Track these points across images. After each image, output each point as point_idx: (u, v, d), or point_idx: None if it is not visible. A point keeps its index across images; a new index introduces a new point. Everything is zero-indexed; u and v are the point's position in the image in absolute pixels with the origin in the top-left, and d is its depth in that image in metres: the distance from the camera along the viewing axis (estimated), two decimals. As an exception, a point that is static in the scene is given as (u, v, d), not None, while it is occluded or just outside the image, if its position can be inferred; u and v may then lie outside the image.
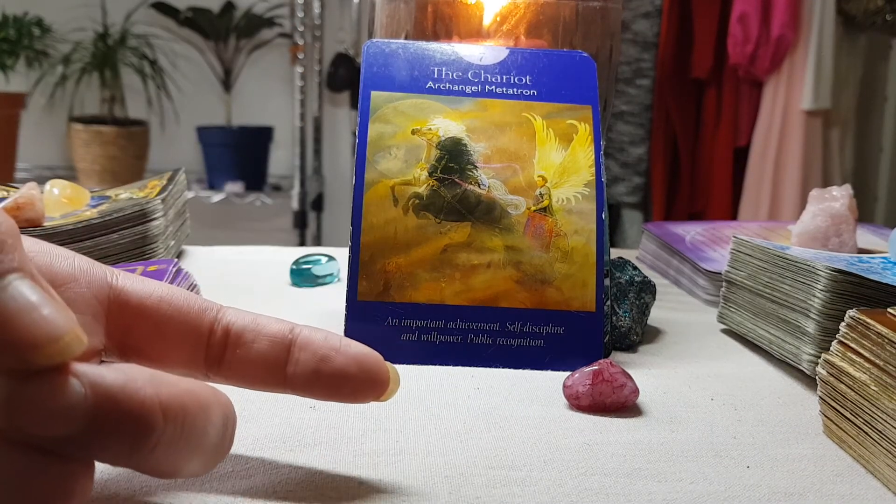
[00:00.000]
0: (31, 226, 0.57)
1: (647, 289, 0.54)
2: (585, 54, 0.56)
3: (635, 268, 0.54)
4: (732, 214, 2.12)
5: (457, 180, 0.50)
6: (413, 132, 0.51)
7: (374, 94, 0.52)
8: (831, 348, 0.40)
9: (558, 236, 0.49)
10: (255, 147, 2.49)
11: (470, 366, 0.48)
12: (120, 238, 0.59)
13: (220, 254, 0.75)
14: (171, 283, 0.51)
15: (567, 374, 0.45)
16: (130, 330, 0.32)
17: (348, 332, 0.48)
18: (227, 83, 2.53)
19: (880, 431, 0.36)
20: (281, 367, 0.32)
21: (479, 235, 0.49)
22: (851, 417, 0.38)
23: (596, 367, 0.42)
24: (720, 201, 2.12)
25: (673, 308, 0.62)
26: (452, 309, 0.48)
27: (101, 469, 0.34)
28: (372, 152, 0.51)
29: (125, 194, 0.66)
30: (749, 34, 1.99)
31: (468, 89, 0.53)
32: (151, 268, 0.53)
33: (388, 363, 0.32)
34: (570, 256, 0.49)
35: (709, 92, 2.13)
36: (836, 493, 0.34)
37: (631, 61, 2.08)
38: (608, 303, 0.50)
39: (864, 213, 2.15)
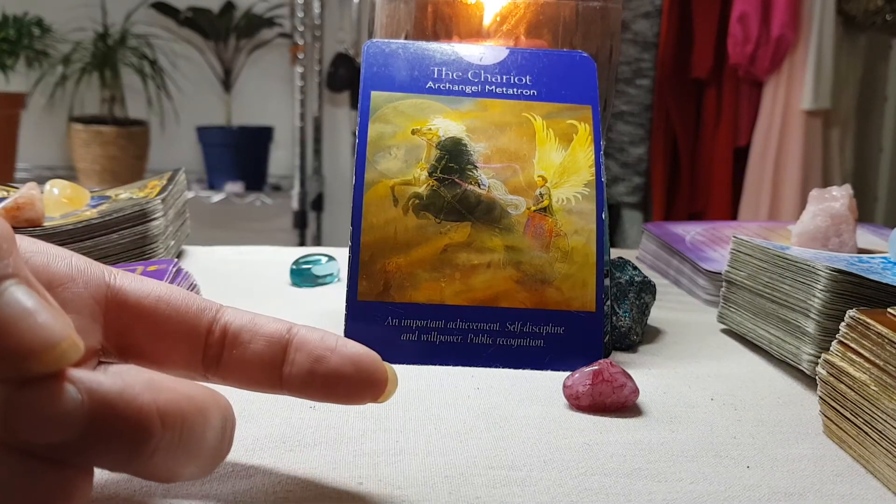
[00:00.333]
0: (31, 226, 0.57)
1: (647, 289, 0.54)
2: (585, 54, 0.56)
3: (635, 268, 0.54)
4: (732, 214, 2.12)
5: (457, 180, 0.50)
6: (413, 132, 0.51)
7: (374, 94, 0.52)
8: (831, 348, 0.40)
9: (558, 236, 0.49)
10: (255, 147, 2.49)
11: (470, 366, 0.48)
12: (120, 238, 0.59)
13: (220, 254, 0.75)
14: (171, 283, 0.51)
15: (567, 374, 0.45)
16: (128, 330, 0.31)
17: (348, 332, 0.48)
18: (227, 83, 2.53)
19: (880, 431, 0.36)
20: (277, 367, 0.32)
21: (479, 235, 0.49)
22: (851, 417, 0.38)
23: (596, 367, 0.42)
24: (720, 201, 2.12)
25: (673, 308, 0.62)
26: (452, 309, 0.48)
27: (101, 469, 0.34)
28: (372, 152, 0.51)
29: (125, 194, 0.66)
30: (749, 34, 1.99)
31: (468, 89, 0.53)
32: (151, 268, 0.53)
33: (386, 363, 0.32)
34: (570, 256, 0.49)
35: (709, 92, 2.13)
36: (836, 493, 0.34)
37: (631, 61, 2.08)
38: (608, 303, 0.50)
39: (864, 213, 2.15)
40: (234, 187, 2.45)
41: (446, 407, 0.41)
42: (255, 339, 0.32)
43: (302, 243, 2.56)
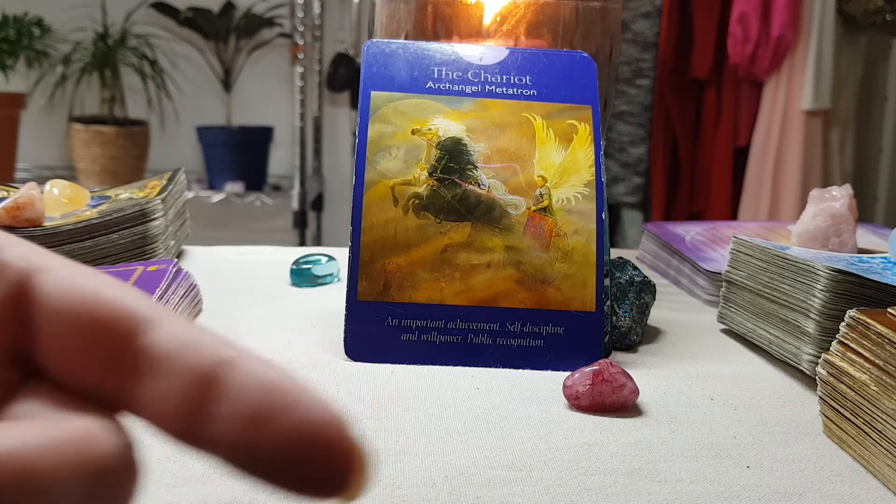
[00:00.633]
0: (31, 226, 0.57)
1: (647, 289, 0.54)
2: (585, 54, 0.56)
3: (635, 268, 0.54)
4: (732, 214, 2.12)
5: (457, 180, 0.50)
6: (413, 132, 0.51)
7: (374, 94, 0.52)
8: (831, 348, 0.40)
9: (558, 236, 0.49)
10: (255, 147, 2.49)
11: (470, 366, 0.48)
12: (120, 238, 0.59)
13: (220, 254, 0.75)
14: (171, 283, 0.51)
15: (567, 374, 0.45)
16: (37, 339, 0.23)
17: (348, 332, 0.48)
18: (227, 83, 2.53)
19: (880, 431, 0.36)
20: (193, 417, 0.21)
21: (479, 235, 0.49)
22: (851, 417, 0.38)
23: (596, 367, 0.42)
24: (720, 201, 2.12)
25: (673, 308, 0.62)
26: (452, 309, 0.48)
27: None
28: (372, 152, 0.51)
29: (125, 194, 0.66)
30: (749, 34, 1.99)
31: (468, 89, 0.53)
32: (151, 268, 0.53)
33: (357, 441, 0.19)
34: (570, 256, 0.49)
35: (709, 92, 2.13)
36: (836, 493, 0.34)
37: (631, 61, 2.08)
38: (608, 303, 0.50)
39: (864, 213, 2.15)
40: (234, 187, 2.45)
41: (446, 407, 0.41)
42: (173, 374, 0.20)
43: (302, 243, 2.55)
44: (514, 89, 0.53)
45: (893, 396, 0.35)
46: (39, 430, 0.19)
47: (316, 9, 2.55)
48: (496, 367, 0.48)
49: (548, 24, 0.59)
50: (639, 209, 2.19)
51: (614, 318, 0.51)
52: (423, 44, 0.55)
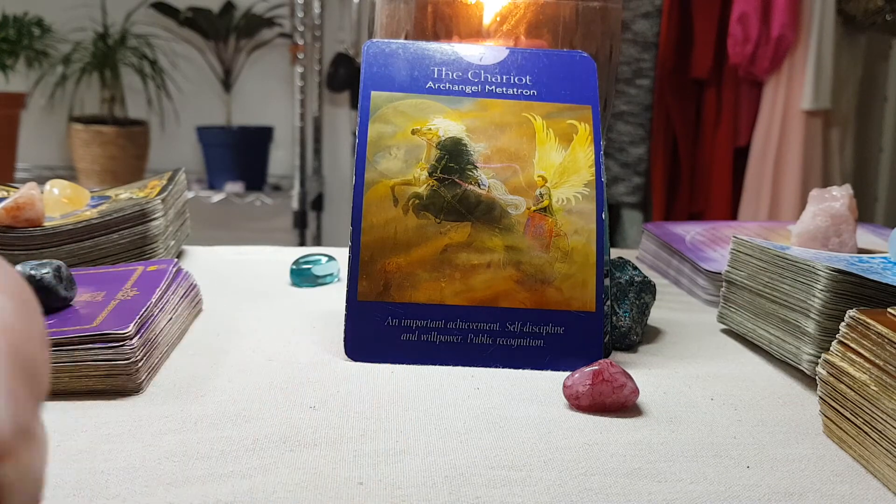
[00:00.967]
0: (31, 226, 0.57)
1: (647, 289, 0.54)
2: (585, 54, 0.56)
3: (635, 268, 0.54)
4: (732, 214, 2.12)
5: (457, 180, 0.50)
6: (413, 132, 0.51)
7: (374, 94, 0.52)
8: (831, 348, 0.40)
9: (558, 236, 0.49)
10: (255, 147, 2.49)
11: (470, 366, 0.48)
12: (120, 238, 0.59)
13: (220, 254, 0.75)
14: (171, 283, 0.51)
15: (567, 374, 0.45)
16: None
17: (348, 332, 0.48)
18: (227, 83, 2.53)
19: (880, 431, 0.36)
20: None
21: (479, 235, 0.49)
22: (851, 417, 0.38)
23: (596, 367, 0.42)
24: (720, 201, 2.12)
25: (673, 308, 0.62)
26: (452, 309, 0.48)
27: (102, 470, 0.34)
28: (372, 152, 0.51)
29: (125, 194, 0.66)
30: (749, 34, 1.99)
31: (468, 89, 0.53)
32: (151, 268, 0.53)
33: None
34: (570, 256, 0.49)
35: (709, 92, 2.13)
36: (836, 493, 0.34)
37: (631, 61, 2.08)
38: (608, 303, 0.50)
39: (864, 213, 2.15)
40: (234, 187, 2.44)
41: (446, 407, 0.41)
42: None
43: (302, 243, 2.55)
44: (514, 89, 0.53)
45: (893, 396, 0.35)
46: None
47: (316, 9, 2.55)
48: (496, 367, 0.48)
49: (548, 24, 0.59)
50: (639, 209, 2.19)
51: (614, 318, 0.51)
52: (423, 44, 0.55)
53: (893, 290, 0.45)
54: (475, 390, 0.44)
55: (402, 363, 0.47)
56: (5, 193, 0.64)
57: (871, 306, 0.43)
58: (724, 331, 0.57)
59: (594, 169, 0.51)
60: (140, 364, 0.43)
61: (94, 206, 0.63)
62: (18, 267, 0.46)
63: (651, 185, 2.18)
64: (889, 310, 0.38)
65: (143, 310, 0.45)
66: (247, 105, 2.65)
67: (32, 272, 0.46)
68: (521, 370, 0.47)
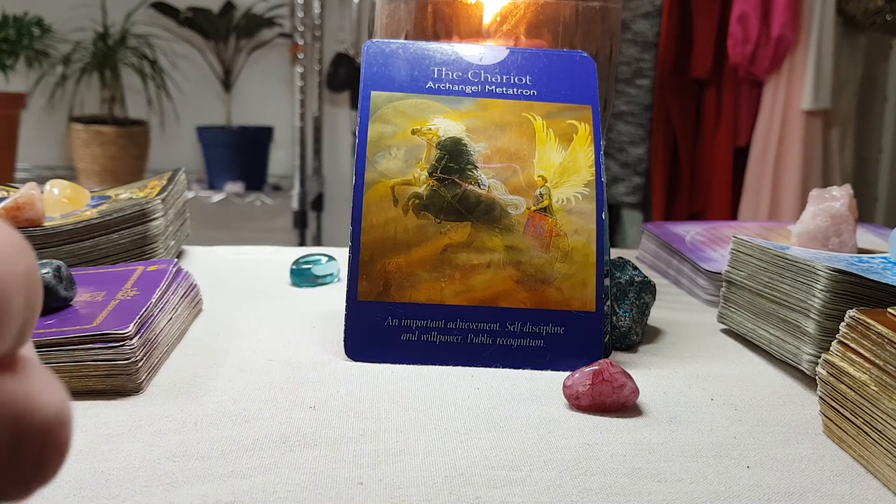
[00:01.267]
0: (31, 226, 0.57)
1: (647, 289, 0.54)
2: (585, 54, 0.56)
3: (635, 268, 0.54)
4: (732, 214, 2.12)
5: (457, 180, 0.50)
6: (413, 132, 0.51)
7: (374, 94, 0.52)
8: (831, 348, 0.40)
9: (558, 236, 0.49)
10: (255, 147, 2.49)
11: (470, 366, 0.48)
12: (120, 238, 0.59)
13: (220, 254, 0.75)
14: (171, 283, 0.51)
15: (567, 374, 0.45)
16: None
17: (348, 332, 0.48)
18: (227, 83, 2.53)
19: (880, 431, 0.36)
20: None
21: (479, 235, 0.49)
22: (851, 417, 0.38)
23: (596, 367, 0.42)
24: (720, 201, 2.12)
25: (673, 308, 0.62)
26: (452, 309, 0.48)
27: (102, 470, 0.34)
28: (372, 152, 0.51)
29: (125, 194, 0.66)
30: (749, 34, 1.99)
31: (468, 89, 0.53)
32: (151, 268, 0.53)
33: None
34: (570, 256, 0.49)
35: (709, 92, 2.13)
36: (836, 493, 0.34)
37: (631, 61, 2.08)
38: (608, 303, 0.50)
39: (864, 213, 2.15)
40: (234, 187, 2.45)
41: (446, 407, 0.41)
42: None
43: (302, 243, 2.55)
44: (514, 89, 0.53)
45: (893, 396, 0.35)
46: None
47: (316, 9, 2.55)
48: (496, 367, 0.48)
49: (548, 24, 0.59)
50: (639, 209, 2.19)
51: (614, 318, 0.51)
52: (423, 44, 0.55)
53: (893, 290, 0.45)
54: (475, 390, 0.44)
55: (402, 363, 0.47)
56: (5, 193, 0.64)
57: (871, 306, 0.43)
58: (724, 331, 0.57)
59: (594, 169, 0.51)
60: (140, 364, 0.43)
61: (94, 206, 0.63)
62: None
63: (651, 185, 2.18)
64: (889, 310, 0.38)
65: (143, 310, 0.45)
66: (247, 105, 2.65)
67: (32, 272, 0.46)
68: (521, 370, 0.47)
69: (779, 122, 2.06)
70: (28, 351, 0.21)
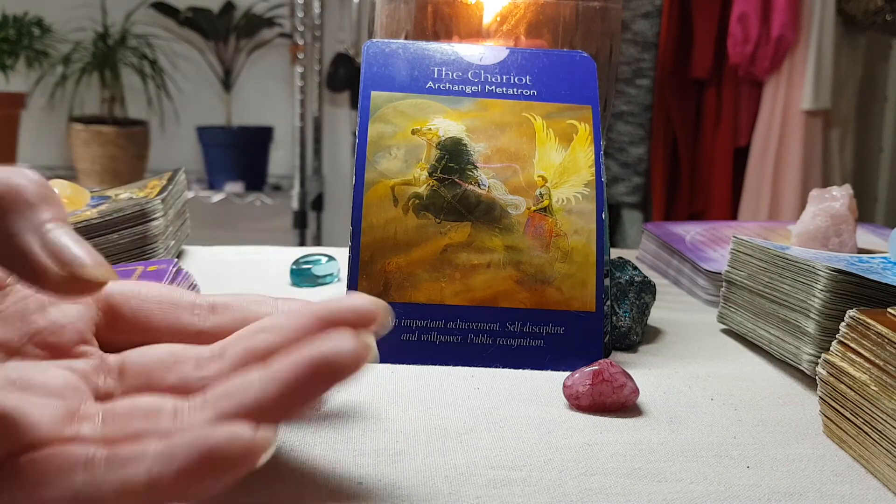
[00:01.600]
0: (31, 226, 0.57)
1: (647, 289, 0.54)
2: (585, 54, 0.56)
3: (635, 268, 0.54)
4: (732, 214, 2.12)
5: (457, 180, 0.50)
6: (413, 132, 0.51)
7: (374, 94, 0.52)
8: (831, 348, 0.40)
9: (558, 236, 0.49)
10: (255, 147, 2.49)
11: (470, 366, 0.48)
12: (120, 238, 0.59)
13: (220, 254, 0.75)
14: (171, 283, 0.51)
15: (567, 374, 0.45)
16: (118, 313, 0.36)
17: (348, 332, 0.48)
18: (227, 83, 2.53)
19: (880, 431, 0.36)
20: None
21: (479, 235, 0.49)
22: (851, 417, 0.38)
23: (596, 367, 0.42)
24: (720, 201, 2.12)
25: (673, 308, 0.62)
26: (452, 309, 0.48)
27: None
28: (372, 152, 0.51)
29: (125, 194, 0.66)
30: (749, 34, 1.99)
31: (468, 89, 0.53)
32: (151, 268, 0.53)
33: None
34: (570, 256, 0.49)
35: (709, 92, 2.13)
36: (836, 493, 0.34)
37: (631, 61, 2.08)
38: (608, 303, 0.50)
39: (864, 213, 2.15)
40: (234, 187, 2.45)
41: (446, 407, 0.41)
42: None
43: (302, 243, 2.55)
44: (514, 89, 0.53)
45: (893, 396, 0.35)
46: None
47: (316, 9, 2.55)
48: (496, 367, 0.48)
49: (548, 24, 0.59)
50: (639, 209, 2.19)
51: (614, 318, 0.51)
52: (423, 44, 0.55)
53: (893, 290, 0.45)
54: (475, 390, 0.44)
55: (402, 363, 0.47)
56: (5, 193, 0.64)
57: (871, 306, 0.43)
58: (724, 331, 0.57)
59: (594, 169, 0.51)
60: (140, 364, 0.43)
61: (94, 206, 0.63)
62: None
63: (651, 185, 2.18)
64: (889, 310, 0.38)
65: (143, 310, 0.45)
66: (247, 105, 2.65)
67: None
68: (521, 370, 0.47)
69: (779, 122, 2.06)
70: None
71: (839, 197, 0.67)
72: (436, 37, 0.59)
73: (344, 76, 2.51)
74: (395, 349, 0.48)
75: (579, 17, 0.60)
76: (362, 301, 0.33)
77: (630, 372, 0.44)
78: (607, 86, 0.62)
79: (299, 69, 2.52)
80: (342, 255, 0.68)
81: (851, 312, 0.39)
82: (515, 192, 0.50)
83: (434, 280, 0.48)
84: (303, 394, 0.30)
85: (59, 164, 2.51)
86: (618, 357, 0.50)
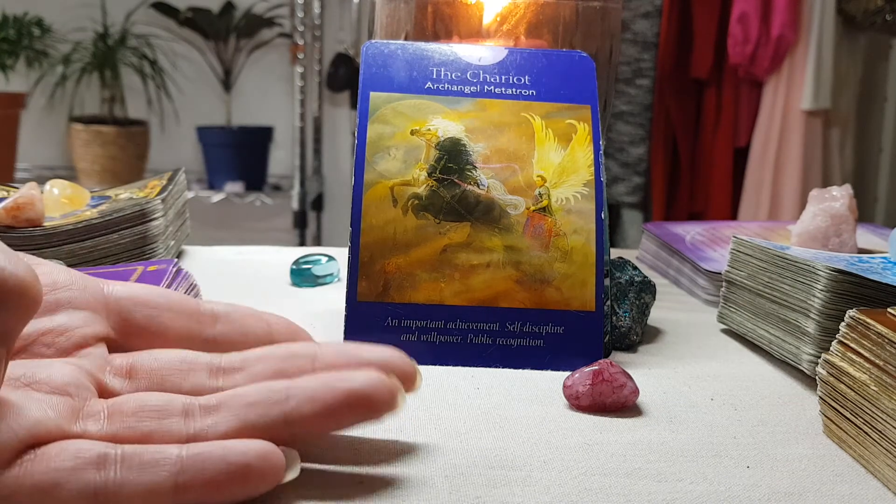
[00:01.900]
0: (31, 226, 0.57)
1: (647, 289, 0.54)
2: (585, 54, 0.56)
3: (635, 268, 0.54)
4: (732, 214, 2.12)
5: (456, 180, 0.50)
6: (412, 133, 0.51)
7: (373, 94, 0.52)
8: (831, 348, 0.40)
9: (558, 236, 0.49)
10: (255, 147, 2.49)
11: (470, 366, 0.48)
12: (120, 238, 0.59)
13: (220, 254, 0.75)
14: (171, 282, 0.51)
15: (567, 374, 0.45)
16: (128, 322, 0.36)
17: (348, 332, 0.48)
18: (227, 83, 2.53)
19: (880, 431, 0.36)
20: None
21: (478, 235, 0.49)
22: (851, 417, 0.38)
23: (596, 367, 0.42)
24: (720, 201, 2.12)
25: (673, 308, 0.62)
26: (452, 309, 0.48)
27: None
28: (371, 153, 0.51)
29: (125, 194, 0.66)
30: (749, 34, 1.99)
31: (467, 89, 0.53)
32: (151, 268, 0.53)
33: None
34: (569, 256, 0.49)
35: (709, 92, 2.13)
36: (836, 493, 0.34)
37: (631, 61, 2.08)
38: (608, 303, 0.50)
39: (864, 213, 2.15)
40: (234, 187, 2.45)
41: (446, 407, 0.41)
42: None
43: (302, 243, 2.55)
44: (513, 89, 0.53)
45: (893, 396, 0.35)
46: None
47: (316, 9, 2.55)
48: (496, 367, 0.48)
49: (548, 24, 0.59)
50: (639, 209, 2.19)
51: (614, 318, 0.51)
52: (421, 44, 0.55)
53: (893, 290, 0.45)
54: (475, 390, 0.44)
55: (402, 363, 0.47)
56: (5, 193, 0.64)
57: (871, 306, 0.43)
58: (724, 331, 0.57)
59: (593, 168, 0.51)
60: (140, 364, 0.43)
61: (94, 206, 0.63)
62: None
63: (651, 185, 2.18)
64: (889, 310, 0.38)
65: (143, 310, 0.45)
66: (247, 105, 2.64)
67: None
68: (521, 370, 0.47)
69: (779, 122, 2.06)
70: None
71: (839, 197, 0.67)
72: (436, 37, 0.59)
73: (344, 76, 2.51)
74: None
75: (579, 17, 0.60)
76: (402, 360, 0.35)
77: (630, 372, 0.44)
78: (607, 86, 0.62)
79: (299, 69, 2.52)
80: (342, 255, 0.68)
81: (851, 312, 0.39)
82: (515, 192, 0.50)
83: (434, 280, 0.48)
84: (333, 420, 0.30)
85: (59, 164, 2.51)
86: (618, 357, 0.50)
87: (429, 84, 0.53)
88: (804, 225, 0.67)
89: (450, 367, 0.47)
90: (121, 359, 0.34)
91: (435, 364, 0.48)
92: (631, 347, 0.52)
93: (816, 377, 0.41)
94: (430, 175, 0.50)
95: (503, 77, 0.54)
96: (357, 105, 0.52)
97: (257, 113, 2.59)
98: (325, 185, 2.65)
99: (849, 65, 2.09)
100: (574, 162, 0.51)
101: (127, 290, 0.36)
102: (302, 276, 0.65)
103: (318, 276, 0.65)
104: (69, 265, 0.55)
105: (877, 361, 0.36)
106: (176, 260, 0.57)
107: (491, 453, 0.36)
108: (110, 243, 0.59)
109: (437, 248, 0.49)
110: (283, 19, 2.53)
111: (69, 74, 2.36)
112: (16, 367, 0.31)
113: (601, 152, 0.52)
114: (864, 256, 0.52)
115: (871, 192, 2.28)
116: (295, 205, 2.54)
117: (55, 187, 0.64)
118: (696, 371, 0.49)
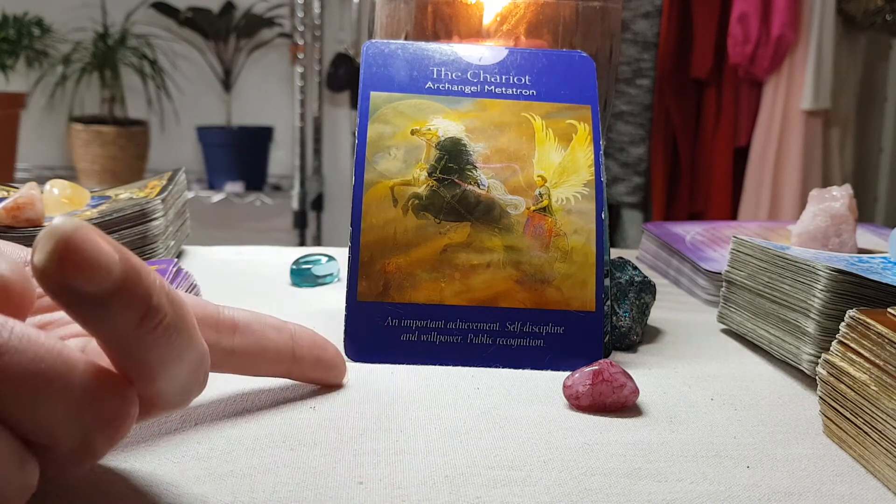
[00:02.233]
0: (31, 226, 0.57)
1: (647, 289, 0.54)
2: (585, 54, 0.56)
3: (635, 268, 0.54)
4: (732, 214, 2.12)
5: (456, 180, 0.50)
6: (412, 132, 0.51)
7: (373, 94, 0.52)
8: (831, 348, 0.40)
9: (558, 236, 0.49)
10: (255, 147, 2.49)
11: (470, 366, 0.48)
12: (120, 238, 0.59)
13: (220, 254, 0.75)
14: (171, 282, 0.51)
15: (567, 374, 0.45)
16: None
17: (348, 332, 0.48)
18: (227, 83, 2.53)
19: (880, 431, 0.36)
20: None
21: (478, 235, 0.49)
22: (851, 417, 0.38)
23: (596, 367, 0.42)
24: (720, 201, 2.12)
25: (673, 308, 0.62)
26: (452, 309, 0.48)
27: (101, 470, 0.34)
28: (371, 153, 0.51)
29: (125, 194, 0.66)
30: (749, 34, 1.99)
31: (467, 89, 0.53)
32: (151, 268, 0.53)
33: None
34: (569, 256, 0.49)
35: (709, 92, 2.13)
36: (836, 493, 0.34)
37: (631, 61, 2.08)
38: (608, 303, 0.50)
39: (864, 213, 2.15)
40: (234, 187, 2.45)
41: (446, 407, 0.41)
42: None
43: (302, 243, 2.55)
44: (514, 89, 0.53)
45: (893, 396, 0.35)
46: None
47: (316, 9, 2.55)
48: (496, 367, 0.48)
49: (548, 24, 0.59)
50: (639, 209, 2.19)
51: (614, 318, 0.51)
52: (422, 44, 0.55)
53: (893, 290, 0.45)
54: (475, 390, 0.44)
55: (402, 363, 0.47)
56: (5, 193, 0.64)
57: (871, 306, 0.43)
58: (724, 331, 0.57)
59: (594, 168, 0.51)
60: (140, 364, 0.43)
61: (94, 206, 0.63)
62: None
63: (651, 185, 2.18)
64: (889, 310, 0.38)
65: (143, 310, 0.45)
66: (247, 105, 2.65)
67: (32, 272, 0.46)
68: (521, 370, 0.47)
69: (779, 122, 2.06)
70: None
71: (839, 197, 0.67)
72: (436, 37, 0.59)
73: (344, 76, 2.51)
74: (395, 349, 0.48)
75: (579, 17, 0.60)
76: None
77: (630, 372, 0.44)
78: (607, 86, 0.62)
79: (299, 69, 2.52)
80: (342, 255, 0.68)
81: (851, 312, 0.39)
82: (515, 192, 0.50)
83: (434, 280, 0.48)
84: None
85: (59, 164, 2.51)
86: (618, 357, 0.50)
87: (429, 84, 0.53)
88: (804, 225, 0.67)
89: (450, 367, 0.47)
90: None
91: (435, 364, 0.48)
92: (631, 347, 0.52)
93: (816, 377, 0.41)
94: (430, 175, 0.50)
95: (503, 77, 0.54)
96: (357, 105, 0.52)
97: (257, 113, 2.59)
98: (325, 184, 2.65)
99: (849, 65, 2.09)
100: (574, 162, 0.51)
101: None
102: (302, 276, 0.65)
103: (318, 276, 0.65)
104: (69, 265, 0.55)
105: (877, 361, 0.36)
106: (176, 260, 0.57)
107: (491, 453, 0.36)
108: (110, 243, 0.58)
109: (438, 248, 0.49)
110: (283, 19, 2.53)
111: (69, 74, 2.36)
112: None
113: (601, 152, 0.52)
114: (864, 256, 0.52)
115: (871, 192, 2.28)
116: (295, 205, 2.54)
117: (55, 187, 0.64)
118: (696, 371, 0.49)
